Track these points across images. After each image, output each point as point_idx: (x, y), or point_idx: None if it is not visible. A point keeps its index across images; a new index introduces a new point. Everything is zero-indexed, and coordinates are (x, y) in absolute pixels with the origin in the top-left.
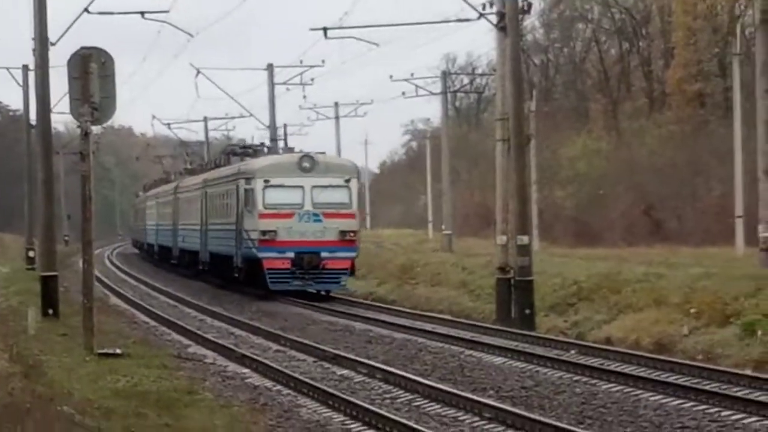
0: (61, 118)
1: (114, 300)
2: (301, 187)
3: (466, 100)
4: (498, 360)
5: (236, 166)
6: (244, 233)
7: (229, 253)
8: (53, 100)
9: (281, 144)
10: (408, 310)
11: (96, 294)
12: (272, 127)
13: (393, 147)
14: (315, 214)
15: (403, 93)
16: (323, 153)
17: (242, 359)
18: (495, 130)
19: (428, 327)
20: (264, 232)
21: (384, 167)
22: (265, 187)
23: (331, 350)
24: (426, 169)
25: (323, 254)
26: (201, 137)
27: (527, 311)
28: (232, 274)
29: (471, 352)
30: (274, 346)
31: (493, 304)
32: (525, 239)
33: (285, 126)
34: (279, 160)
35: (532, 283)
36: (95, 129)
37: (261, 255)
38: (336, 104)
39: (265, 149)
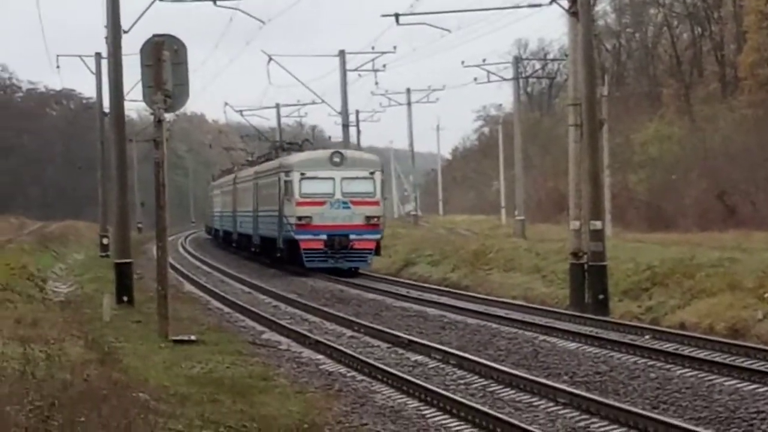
0: (134, 106)
1: (188, 287)
2: (332, 178)
3: (538, 85)
4: (572, 345)
5: (279, 161)
6: (284, 219)
7: (274, 236)
8: (126, 88)
9: (353, 130)
10: (481, 296)
11: (170, 281)
12: (344, 113)
13: (465, 133)
14: (344, 202)
15: (475, 79)
16: (351, 150)
17: (316, 345)
18: (567, 116)
19: (502, 313)
20: (300, 218)
21: (456, 153)
22: (302, 178)
23: (405, 336)
24: (498, 154)
25: (351, 236)
26: (273, 124)
27: (601, 296)
28: (276, 254)
29: (545, 337)
30: (348, 332)
31: (567, 289)
32: (598, 224)
33: (357, 112)
34: (313, 156)
35: (606, 269)
36: (168, 116)
37: (298, 237)
38: (408, 90)
39: (310, 144)
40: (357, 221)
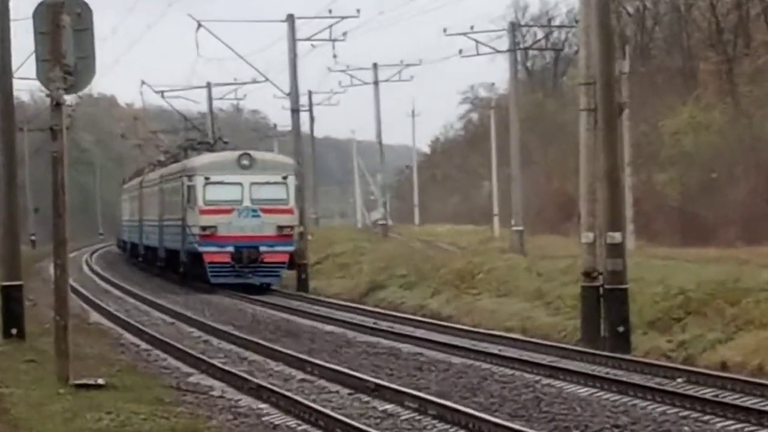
0: (26, 86)
1: (95, 316)
2: (240, 184)
3: (541, 59)
4: (583, 391)
5: (183, 164)
6: (187, 229)
7: (177, 249)
8: (15, 63)
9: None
10: (468, 328)
11: (72, 309)
12: (293, 94)
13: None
14: (254, 210)
15: (461, 51)
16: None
17: (258, 391)
18: (578, 98)
19: (494, 349)
20: (204, 228)
21: (436, 146)
22: (206, 183)
23: (372, 379)
24: (490, 147)
25: (262, 248)
26: (204, 108)
27: (620, 329)
28: (180, 269)
29: (549, 380)
30: (299, 375)
31: (577, 319)
32: (617, 237)
33: (310, 94)
34: (219, 158)
35: (627, 293)
36: (69, 98)
37: (202, 249)
38: (375, 66)
39: (224, 143)
40: (268, 231)
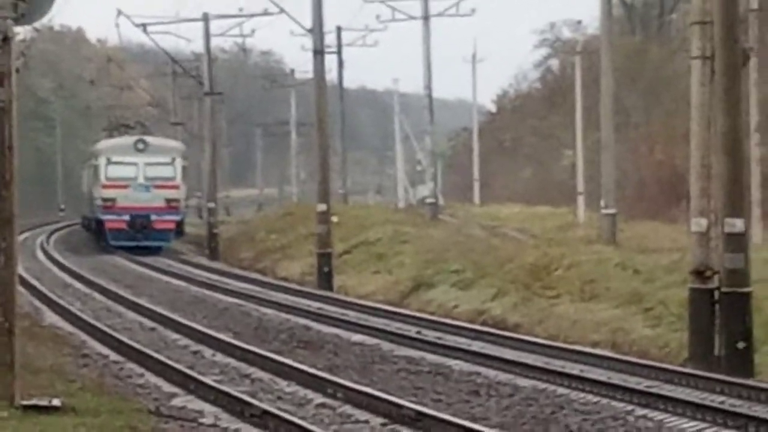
0: None
1: (50, 317)
2: (136, 164)
3: None
4: (691, 426)
5: (94, 145)
6: (93, 201)
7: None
8: None
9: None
10: (542, 341)
11: (20, 307)
12: (317, 30)
13: (519, 69)
14: (146, 186)
15: None
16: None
17: (263, 419)
18: (690, 42)
19: (575, 369)
20: (105, 199)
21: (504, 103)
22: (108, 163)
23: (412, 406)
24: (574, 106)
25: (153, 217)
26: (198, 47)
27: (740, 345)
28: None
29: (646, 411)
30: (317, 398)
31: (684, 332)
32: (738, 224)
33: (339, 30)
34: (119, 142)
35: (750, 298)
36: (21, 31)
37: (104, 217)
38: None
39: (143, 126)
40: (158, 203)
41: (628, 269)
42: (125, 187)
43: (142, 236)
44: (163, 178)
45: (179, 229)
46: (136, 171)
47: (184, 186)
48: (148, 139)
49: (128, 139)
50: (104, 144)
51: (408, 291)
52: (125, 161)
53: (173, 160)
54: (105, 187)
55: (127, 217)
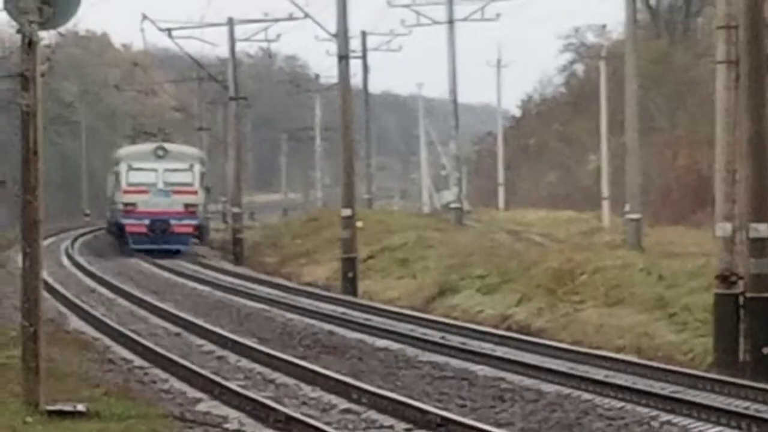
0: None
1: (75, 322)
2: (156, 170)
3: None
4: (717, 431)
5: (116, 152)
6: (115, 205)
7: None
8: None
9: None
10: (566, 347)
11: (46, 312)
12: (342, 35)
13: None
14: (165, 191)
15: None
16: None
17: (288, 424)
18: (715, 46)
19: (600, 375)
20: (126, 204)
21: (528, 107)
22: (129, 169)
23: (437, 411)
24: (599, 110)
25: (172, 221)
26: (223, 52)
27: (766, 350)
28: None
29: (670, 416)
30: (342, 404)
31: (709, 337)
32: (762, 229)
33: (364, 35)
34: (139, 149)
35: None
36: (46, 36)
37: (124, 221)
38: (450, 0)
39: (165, 133)
40: (177, 208)
41: (653, 274)
42: (145, 192)
43: (161, 240)
44: (182, 184)
45: (197, 233)
46: (156, 177)
47: (203, 191)
48: (168, 146)
49: (148, 146)
50: (125, 151)
51: (432, 296)
52: (145, 167)
53: (191, 166)
54: (126, 192)
55: (147, 222)
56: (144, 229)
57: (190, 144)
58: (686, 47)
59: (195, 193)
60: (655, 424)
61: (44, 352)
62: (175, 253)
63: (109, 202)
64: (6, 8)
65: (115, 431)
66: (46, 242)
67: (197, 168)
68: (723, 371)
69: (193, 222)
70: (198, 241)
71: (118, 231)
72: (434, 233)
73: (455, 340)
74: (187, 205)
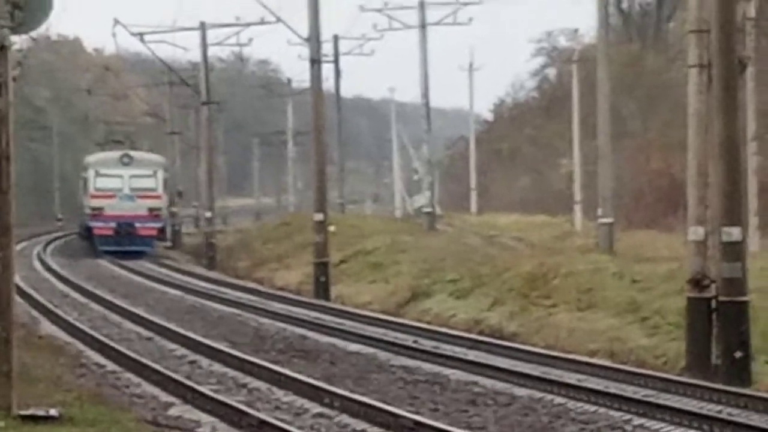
0: None
1: (47, 327)
2: (122, 176)
3: None
4: None
5: (85, 159)
6: (83, 209)
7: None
8: None
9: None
10: (539, 351)
11: (18, 317)
12: (314, 39)
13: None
14: (130, 196)
15: None
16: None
17: (260, 428)
18: (687, 50)
19: (572, 379)
20: (94, 208)
21: (501, 111)
22: (96, 175)
23: (409, 416)
24: (571, 114)
25: (137, 224)
26: (195, 56)
27: (738, 354)
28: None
29: (643, 420)
30: (315, 408)
31: (681, 341)
32: (735, 233)
33: (336, 39)
34: (106, 156)
35: (747, 307)
36: (18, 40)
37: (92, 224)
38: (421, 4)
39: (131, 141)
40: (141, 212)
41: (626, 278)
42: (112, 197)
43: (127, 242)
44: (146, 189)
45: (161, 236)
46: (122, 183)
47: (166, 196)
48: (133, 153)
49: (115, 154)
50: (93, 157)
51: (405, 300)
52: (112, 173)
53: (155, 172)
54: (94, 197)
55: (113, 225)
56: (111, 232)
57: (162, 148)
58: (658, 51)
59: (159, 197)
60: (628, 427)
61: (16, 357)
62: (139, 255)
63: (79, 206)
64: None
65: None
66: (18, 247)
67: (161, 174)
68: (695, 375)
69: (157, 225)
70: (161, 242)
71: (86, 233)
72: (407, 237)
73: (428, 344)
74: (151, 209)
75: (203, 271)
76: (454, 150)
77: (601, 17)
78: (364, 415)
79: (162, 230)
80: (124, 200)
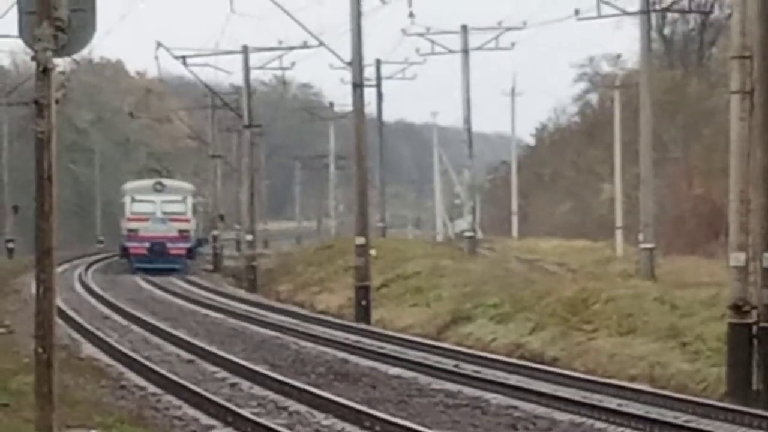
0: (6, 45)
1: (88, 349)
2: (155, 201)
3: (683, 25)
4: None
5: (123, 186)
6: (122, 231)
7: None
8: None
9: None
10: (579, 375)
11: (59, 339)
12: (356, 63)
13: (558, 102)
14: (163, 219)
15: (577, 12)
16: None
17: None
18: (729, 76)
19: (613, 404)
20: (130, 230)
21: (543, 136)
22: (132, 201)
23: None
24: (613, 140)
25: (168, 245)
26: (238, 80)
27: None
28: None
29: None
30: (354, 431)
31: (722, 366)
32: None
33: (378, 63)
34: (141, 184)
35: None
36: (61, 63)
37: (128, 244)
38: (464, 29)
39: (168, 171)
40: (172, 233)
41: (666, 304)
42: (146, 220)
43: (159, 260)
44: (177, 213)
45: (190, 255)
46: (155, 207)
47: (194, 219)
48: (165, 181)
49: (149, 182)
50: (130, 185)
51: (446, 324)
52: (146, 199)
53: (185, 198)
54: (130, 220)
55: (147, 245)
56: (145, 251)
57: (204, 171)
58: (700, 77)
59: (188, 221)
60: None
61: (57, 379)
62: (170, 271)
63: (119, 228)
64: (21, 35)
65: None
66: (59, 269)
67: (189, 200)
68: (736, 401)
69: (186, 245)
70: (190, 260)
71: (124, 252)
72: (448, 261)
73: (468, 368)
74: (181, 231)
75: (244, 294)
76: (495, 174)
77: (644, 43)
78: None
79: (190, 250)
80: (156, 223)
